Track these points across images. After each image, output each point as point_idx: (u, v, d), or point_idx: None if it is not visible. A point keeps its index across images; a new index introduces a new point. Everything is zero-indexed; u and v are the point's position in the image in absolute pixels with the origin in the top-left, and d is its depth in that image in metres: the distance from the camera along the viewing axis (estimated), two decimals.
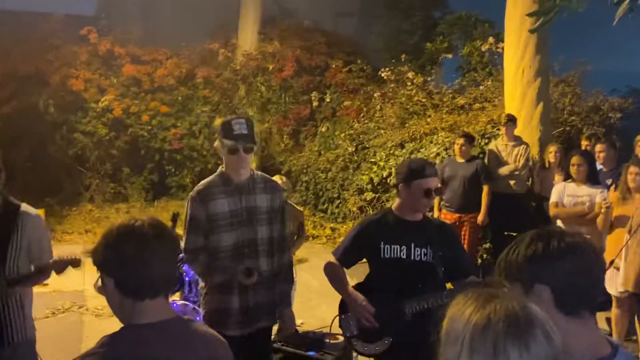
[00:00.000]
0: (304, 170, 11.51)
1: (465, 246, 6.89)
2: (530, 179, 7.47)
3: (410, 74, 11.28)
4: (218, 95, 13.10)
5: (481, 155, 7.86)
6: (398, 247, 3.07)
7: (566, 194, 5.60)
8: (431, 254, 3.03)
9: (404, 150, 9.52)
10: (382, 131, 10.70)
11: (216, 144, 3.24)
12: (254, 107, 12.81)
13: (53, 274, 3.15)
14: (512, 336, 1.16)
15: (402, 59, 11.94)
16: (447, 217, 6.95)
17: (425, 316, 2.94)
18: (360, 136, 10.93)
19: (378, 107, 11.48)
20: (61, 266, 3.07)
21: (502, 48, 9.22)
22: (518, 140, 7.33)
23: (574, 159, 5.57)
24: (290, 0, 14.68)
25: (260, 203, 3.25)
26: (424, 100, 10.81)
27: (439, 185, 3.13)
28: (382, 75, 11.75)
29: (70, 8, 13.90)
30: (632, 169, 5.01)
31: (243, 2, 13.85)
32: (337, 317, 3.29)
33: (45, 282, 3.40)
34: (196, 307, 4.50)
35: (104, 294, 1.65)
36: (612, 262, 4.77)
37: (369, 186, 9.74)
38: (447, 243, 3.10)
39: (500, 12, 8.53)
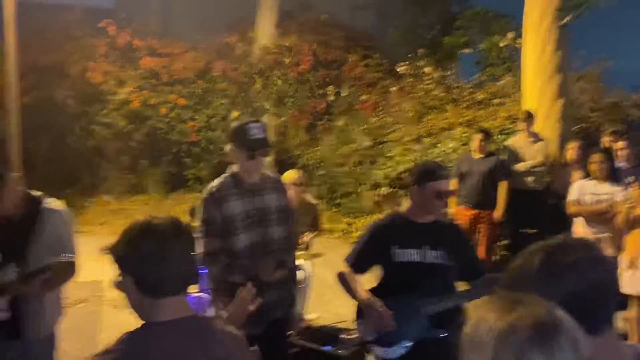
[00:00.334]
0: (320, 165, 11.50)
1: (483, 242, 6.85)
2: (548, 176, 7.40)
3: (427, 69, 11.21)
4: (235, 88, 13.14)
5: (499, 152, 7.80)
6: (411, 250, 3.05)
7: (586, 192, 5.53)
8: (445, 256, 3.02)
9: (420, 145, 9.47)
10: (399, 126, 10.65)
11: (228, 147, 3.21)
12: (270, 101, 12.82)
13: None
14: (537, 343, 1.12)
15: (420, 54, 11.86)
16: (464, 213, 6.90)
17: (443, 318, 2.92)
18: (377, 130, 10.89)
19: (395, 101, 11.43)
20: (61, 269, 3.02)
21: (521, 43, 9.11)
22: (536, 137, 7.25)
23: (595, 157, 5.50)
24: None
25: (270, 203, 3.25)
26: (442, 95, 10.74)
27: (452, 188, 3.17)
28: (400, 69, 11.68)
29: (89, 0, 14.00)
30: None
31: None
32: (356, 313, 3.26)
33: None
34: (211, 298, 4.51)
35: (123, 290, 1.66)
36: (631, 261, 4.71)
37: (385, 181, 9.71)
38: (459, 244, 3.10)
39: (519, 6, 8.43)
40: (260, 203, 3.20)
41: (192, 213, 3.72)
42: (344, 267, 3.23)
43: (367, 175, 10.28)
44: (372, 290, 3.17)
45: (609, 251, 4.96)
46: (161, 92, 13.07)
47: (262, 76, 12.95)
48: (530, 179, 7.14)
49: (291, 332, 3.63)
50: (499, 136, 8.26)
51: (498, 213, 6.89)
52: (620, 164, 6.03)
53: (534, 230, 6.24)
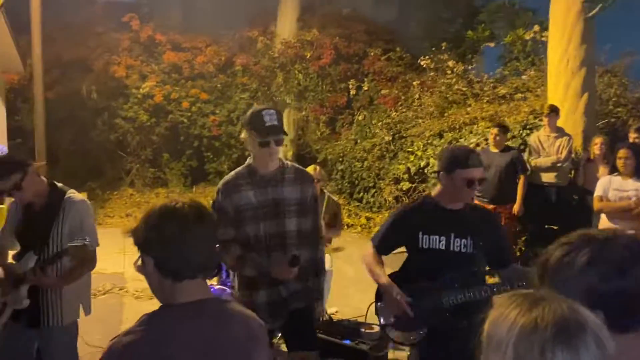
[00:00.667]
0: (340, 159, 11.49)
1: None
2: (572, 171, 7.30)
3: (450, 63, 11.11)
4: (256, 82, 13.18)
5: (522, 147, 7.71)
6: (437, 237, 2.98)
7: (612, 187, 5.43)
8: (471, 245, 2.94)
9: (442, 140, 9.40)
10: (420, 120, 10.58)
11: (243, 135, 3.16)
12: (291, 95, 12.83)
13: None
14: (561, 342, 1.08)
15: (442, 47, 11.76)
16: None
17: (463, 309, 2.88)
18: (398, 125, 10.83)
19: (416, 95, 11.36)
20: (77, 254, 3.02)
21: (547, 37, 8.98)
22: (561, 132, 7.15)
23: (621, 152, 5.39)
24: None
25: (289, 194, 3.14)
26: (464, 89, 10.65)
27: (483, 176, 3.00)
28: (422, 63, 11.61)
29: None
30: None
31: None
32: (373, 305, 3.25)
33: None
34: (233, 292, 4.54)
35: (144, 273, 1.68)
36: None
37: (406, 176, 9.67)
38: (489, 231, 3.00)
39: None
40: (276, 194, 3.12)
41: (213, 206, 3.70)
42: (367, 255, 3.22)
43: (388, 170, 10.24)
44: (397, 274, 3.14)
45: None
46: (183, 87, 13.17)
47: (283, 70, 12.96)
48: (553, 174, 7.05)
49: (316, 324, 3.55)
50: (522, 131, 8.16)
51: (516, 208, 6.83)
52: None
53: (556, 227, 6.16)
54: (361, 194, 10.81)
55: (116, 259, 7.16)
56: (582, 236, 1.40)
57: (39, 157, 10.40)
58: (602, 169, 6.55)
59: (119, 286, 6.71)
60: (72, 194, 3.23)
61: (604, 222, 5.47)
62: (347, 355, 4.21)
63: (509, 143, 8.08)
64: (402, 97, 11.63)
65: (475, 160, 2.96)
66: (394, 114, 11.24)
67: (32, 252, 3.08)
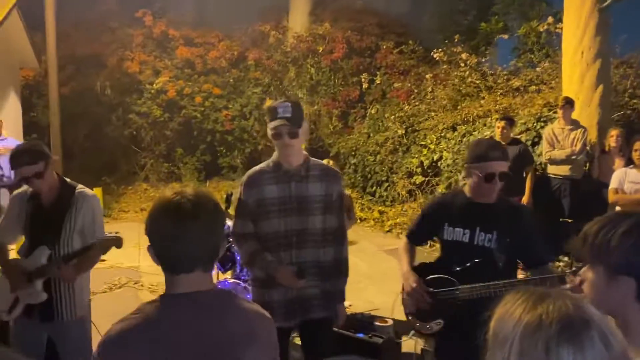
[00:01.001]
0: (353, 153, 11.48)
1: None
2: (587, 164, 7.24)
3: (463, 55, 11.04)
4: (268, 77, 13.19)
5: (536, 139, 7.67)
6: (461, 230, 2.97)
7: (627, 180, 5.38)
8: (495, 240, 2.89)
9: (455, 133, 9.36)
10: (433, 113, 10.53)
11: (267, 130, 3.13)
12: (304, 89, 12.83)
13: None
14: (566, 339, 1.08)
15: (456, 40, 11.69)
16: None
17: (478, 303, 2.88)
18: (411, 118, 10.79)
19: (429, 88, 11.31)
20: (104, 246, 3.12)
21: (561, 28, 8.89)
22: (575, 124, 7.09)
23: (637, 144, 5.34)
24: None
25: (314, 192, 3.07)
26: (477, 81, 10.58)
27: (505, 170, 2.92)
28: (435, 56, 11.55)
29: None
30: None
31: None
32: (399, 297, 3.28)
33: (102, 257, 3.48)
34: (247, 286, 4.57)
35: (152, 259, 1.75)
36: None
37: (419, 169, 9.64)
38: (518, 228, 2.90)
39: None
40: (300, 190, 3.06)
41: (227, 200, 3.71)
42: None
43: (401, 164, 10.21)
44: (427, 264, 3.15)
45: None
46: (196, 82, 13.23)
47: (295, 64, 12.96)
48: (568, 167, 7.00)
49: (335, 328, 3.48)
50: (537, 124, 8.11)
51: (525, 200, 6.81)
52: None
53: (570, 220, 6.12)
54: (374, 187, 10.81)
55: (131, 253, 7.22)
56: (618, 213, 1.54)
57: (54, 152, 10.50)
58: (618, 161, 6.50)
59: (134, 280, 6.77)
60: (83, 189, 3.26)
61: None
62: (360, 349, 4.23)
63: (524, 136, 8.04)
64: (415, 91, 11.59)
65: (495, 154, 2.91)
66: (407, 107, 11.20)
67: (46, 246, 3.11)
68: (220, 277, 5.19)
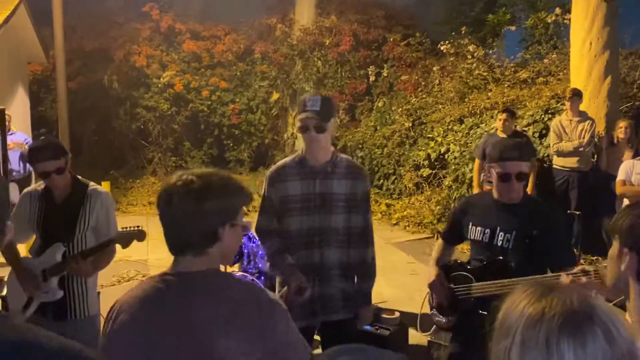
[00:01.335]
0: (360, 146, 11.48)
1: None
2: (595, 156, 7.21)
3: (471, 47, 10.99)
4: (275, 70, 13.19)
5: (544, 131, 7.63)
6: (482, 229, 2.99)
7: (635, 171, 5.36)
8: (514, 240, 2.88)
9: (462, 126, 9.33)
10: (440, 106, 10.51)
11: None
12: (311, 82, 12.82)
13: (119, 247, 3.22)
14: (567, 332, 1.08)
15: (463, 32, 11.64)
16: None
17: (489, 302, 2.89)
18: (418, 111, 10.77)
19: (437, 81, 11.27)
20: (127, 240, 3.10)
21: (569, 19, 8.83)
22: (583, 116, 7.06)
23: None
24: None
25: (338, 189, 2.98)
26: (484, 74, 10.53)
27: (523, 170, 2.89)
28: (442, 48, 11.50)
29: None
30: None
31: None
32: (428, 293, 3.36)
33: None
34: (254, 279, 4.60)
35: None
36: None
37: (426, 162, 9.63)
38: (541, 230, 2.85)
39: None
40: (324, 187, 2.97)
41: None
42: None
43: (408, 157, 10.20)
44: (458, 263, 3.19)
45: None
46: (203, 75, 13.25)
47: (302, 57, 12.95)
48: (575, 159, 6.97)
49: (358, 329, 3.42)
50: (544, 115, 8.07)
51: (529, 191, 6.79)
52: None
53: (578, 212, 6.09)
54: (381, 180, 10.80)
55: (139, 246, 7.24)
56: None
57: None
58: (627, 153, 6.47)
59: (142, 273, 6.82)
60: (95, 186, 3.27)
61: None
62: (367, 341, 4.23)
63: (531, 128, 8.01)
64: (422, 83, 11.55)
65: (512, 154, 2.88)
66: (414, 99, 11.17)
67: (60, 243, 3.11)
68: (228, 269, 5.21)
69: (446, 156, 9.22)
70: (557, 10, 10.67)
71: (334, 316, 3.06)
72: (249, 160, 13.21)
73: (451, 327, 3.17)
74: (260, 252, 4.89)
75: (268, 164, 13.09)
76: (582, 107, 7.16)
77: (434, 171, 9.55)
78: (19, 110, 10.09)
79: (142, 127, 12.94)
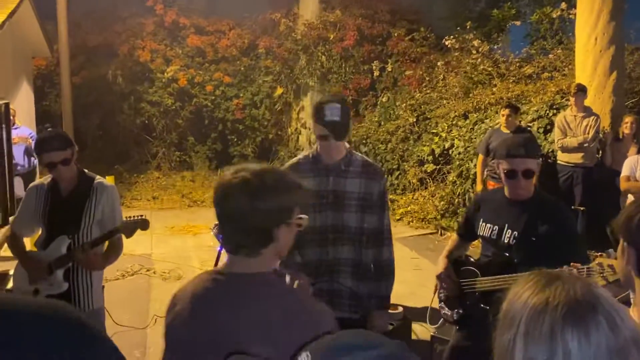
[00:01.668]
0: (364, 141, 11.46)
1: None
2: (599, 152, 7.19)
3: (475, 42, 10.95)
4: (279, 65, 13.17)
5: (548, 127, 7.61)
6: (491, 226, 2.99)
7: (639, 167, 5.35)
8: (520, 238, 2.87)
9: (467, 121, 9.31)
10: (444, 101, 10.48)
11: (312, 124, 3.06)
12: (315, 77, 12.80)
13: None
14: (571, 322, 1.08)
15: (467, 27, 11.59)
16: (494, 187, 6.81)
17: (492, 296, 2.89)
18: (422, 106, 10.75)
19: (441, 76, 11.23)
20: (131, 229, 3.12)
21: (574, 14, 8.79)
22: (588, 111, 7.03)
23: None
24: None
25: (352, 188, 2.96)
26: (489, 69, 10.50)
27: (533, 167, 2.86)
28: (446, 43, 11.46)
29: None
30: None
31: None
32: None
33: None
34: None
35: None
36: None
37: (430, 157, 9.61)
38: (549, 228, 2.83)
39: None
40: (337, 185, 2.96)
41: None
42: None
43: (412, 152, 10.19)
44: (469, 259, 3.21)
45: None
46: (207, 70, 13.24)
47: (306, 52, 12.92)
48: (580, 155, 6.95)
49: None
50: (549, 111, 8.05)
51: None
52: None
53: (583, 208, 6.09)
54: (385, 176, 10.78)
55: (144, 240, 7.29)
56: None
57: None
58: (632, 149, 6.45)
59: (146, 267, 6.84)
60: (101, 179, 3.29)
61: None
62: None
63: (536, 123, 7.99)
64: (427, 78, 11.52)
65: (519, 151, 2.85)
66: (418, 95, 11.14)
67: (65, 235, 3.12)
68: None
69: (450, 152, 9.20)
70: (563, 5, 10.62)
71: (337, 313, 3.00)
72: (252, 155, 13.21)
73: (456, 320, 3.19)
74: None
75: (272, 159, 13.10)
76: (587, 103, 7.14)
77: (438, 167, 9.53)
78: (24, 105, 10.11)
79: (146, 122, 12.95)
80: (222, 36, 13.64)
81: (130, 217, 3.15)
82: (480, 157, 7.30)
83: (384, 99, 11.97)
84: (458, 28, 11.92)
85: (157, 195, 11.19)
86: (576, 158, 6.98)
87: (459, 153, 8.92)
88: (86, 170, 3.32)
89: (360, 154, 3.13)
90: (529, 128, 7.64)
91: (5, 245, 3.55)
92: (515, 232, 2.89)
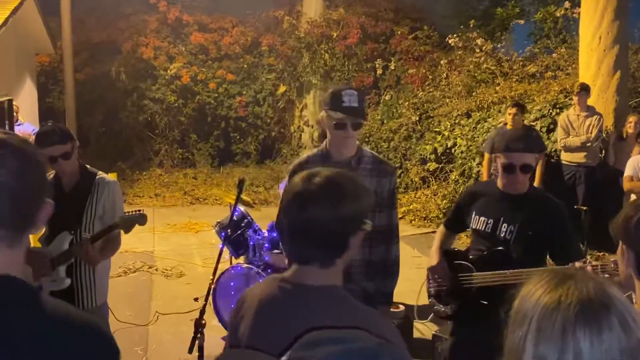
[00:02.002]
0: (366, 139, 11.45)
1: None
2: (603, 151, 7.17)
3: (479, 41, 10.93)
4: (282, 63, 13.16)
5: (552, 126, 7.60)
6: (485, 219, 2.97)
7: None
8: (516, 232, 2.86)
9: (469, 120, 9.30)
10: (447, 100, 10.47)
11: (321, 115, 2.96)
12: (318, 75, 12.79)
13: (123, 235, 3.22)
14: (583, 321, 1.08)
15: (471, 25, 11.58)
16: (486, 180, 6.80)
17: (489, 291, 2.88)
18: (425, 105, 10.74)
19: (444, 75, 11.22)
20: (129, 224, 3.09)
21: (579, 13, 8.77)
22: (591, 111, 7.02)
23: None
24: None
25: None
26: (492, 67, 10.48)
27: (531, 162, 2.86)
28: (450, 42, 11.45)
29: None
30: None
31: None
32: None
33: None
34: (259, 271, 4.60)
35: None
36: None
37: (433, 156, 9.61)
38: (545, 223, 2.83)
39: None
40: None
41: (239, 185, 3.67)
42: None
43: (414, 151, 10.18)
44: (457, 252, 3.19)
45: None
46: (210, 68, 13.24)
47: (309, 50, 12.91)
48: (583, 154, 6.94)
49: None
50: (552, 110, 8.03)
51: (536, 184, 6.77)
52: None
53: (585, 207, 6.07)
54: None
55: (146, 237, 7.30)
56: None
57: None
58: (636, 148, 6.44)
59: (148, 264, 6.84)
60: (103, 175, 3.28)
61: None
62: None
63: (539, 122, 7.97)
64: (430, 77, 11.51)
65: (517, 145, 2.84)
66: (421, 93, 11.13)
67: (67, 231, 3.11)
68: (234, 262, 5.23)
69: (453, 150, 9.19)
70: (567, 4, 10.60)
71: None
72: (255, 153, 13.21)
73: (451, 316, 3.15)
74: (266, 245, 4.89)
75: (274, 157, 13.10)
76: (590, 102, 7.12)
77: (440, 165, 9.53)
78: (27, 101, 10.13)
79: (149, 119, 12.96)
80: (225, 33, 13.63)
81: (128, 212, 3.13)
82: (487, 155, 7.29)
83: (386, 97, 11.96)
84: (461, 26, 11.90)
85: (159, 193, 11.19)
86: (579, 157, 6.97)
87: (462, 152, 8.91)
88: (88, 166, 3.32)
89: (369, 150, 3.09)
90: (533, 127, 7.63)
91: None
92: (512, 227, 2.88)
